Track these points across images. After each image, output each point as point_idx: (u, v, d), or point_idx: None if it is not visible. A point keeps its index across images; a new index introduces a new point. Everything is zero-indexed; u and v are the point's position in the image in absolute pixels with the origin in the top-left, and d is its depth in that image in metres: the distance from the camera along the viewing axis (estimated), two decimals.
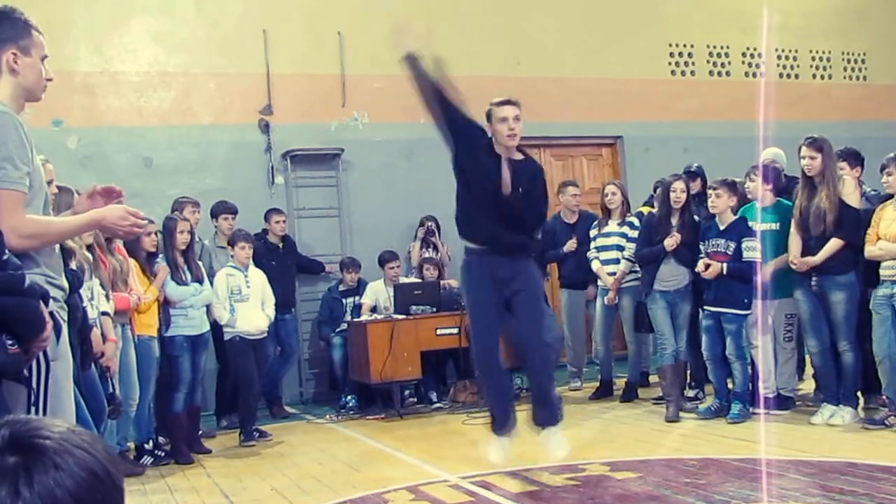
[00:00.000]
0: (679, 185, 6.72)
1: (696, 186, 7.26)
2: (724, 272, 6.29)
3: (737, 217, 6.42)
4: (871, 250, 5.80)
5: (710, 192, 6.51)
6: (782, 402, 6.47)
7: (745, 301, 6.28)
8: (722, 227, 6.42)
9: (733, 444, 5.65)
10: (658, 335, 6.86)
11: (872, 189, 6.39)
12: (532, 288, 5.03)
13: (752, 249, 6.27)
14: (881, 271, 5.75)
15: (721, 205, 6.39)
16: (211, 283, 6.82)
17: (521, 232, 4.98)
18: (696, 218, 6.80)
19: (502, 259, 4.95)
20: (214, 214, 8.01)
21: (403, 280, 8.57)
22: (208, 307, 6.75)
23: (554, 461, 5.19)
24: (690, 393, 7.27)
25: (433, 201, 8.63)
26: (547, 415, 5.16)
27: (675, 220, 6.75)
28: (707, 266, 6.32)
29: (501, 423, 5.15)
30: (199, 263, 6.82)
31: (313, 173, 9.23)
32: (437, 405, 7.97)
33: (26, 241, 2.70)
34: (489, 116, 5.06)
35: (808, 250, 6.07)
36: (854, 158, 6.32)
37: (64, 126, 8.42)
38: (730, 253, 6.31)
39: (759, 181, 6.41)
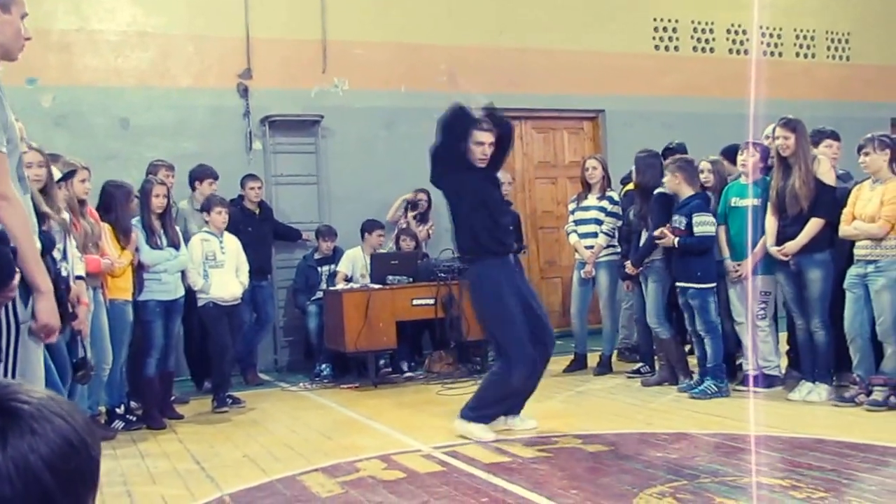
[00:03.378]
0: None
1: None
2: (676, 246, 6.42)
3: (693, 194, 6.49)
4: (845, 230, 5.85)
5: (666, 171, 6.61)
6: (766, 380, 6.50)
7: (699, 274, 6.39)
8: (679, 205, 6.55)
9: (706, 419, 5.70)
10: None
11: (842, 169, 6.47)
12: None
13: (705, 224, 6.37)
14: (855, 251, 5.80)
15: (672, 184, 6.54)
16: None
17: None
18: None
19: (512, 260, 5.53)
20: (198, 178, 7.90)
21: (381, 251, 8.57)
22: (184, 272, 6.71)
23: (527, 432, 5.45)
24: (635, 366, 7.45)
25: (413, 172, 8.61)
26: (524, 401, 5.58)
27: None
28: (662, 236, 6.48)
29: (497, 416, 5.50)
30: (177, 229, 6.77)
31: (292, 140, 9.21)
32: (412, 375, 8.01)
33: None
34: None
35: (783, 232, 6.12)
36: (829, 137, 6.39)
37: (39, 84, 8.29)
38: (682, 228, 6.40)
39: (749, 155, 6.41)
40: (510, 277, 5.39)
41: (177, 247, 6.58)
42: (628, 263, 6.98)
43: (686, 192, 6.50)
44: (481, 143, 5.41)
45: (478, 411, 5.43)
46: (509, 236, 5.69)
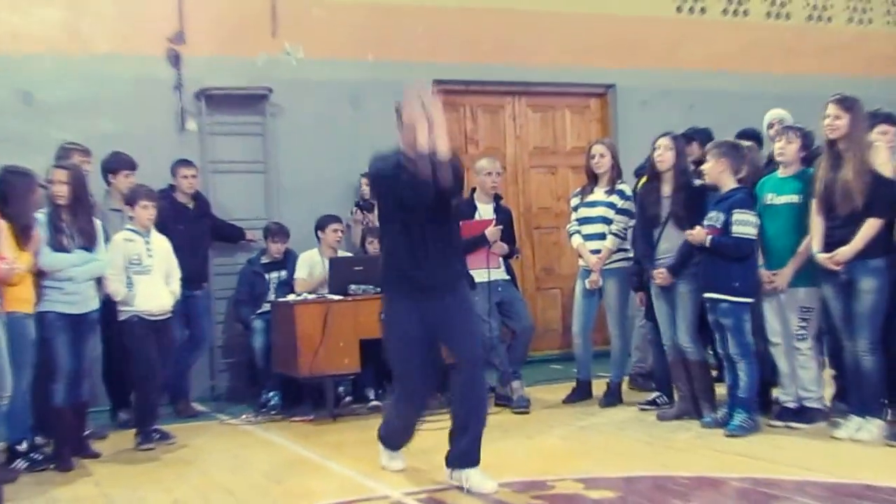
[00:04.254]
0: (662, 143, 6.95)
1: (693, 151, 7.47)
2: (708, 245, 6.44)
3: (737, 187, 6.52)
4: None
5: (707, 157, 6.65)
6: (806, 413, 6.54)
7: (736, 286, 6.39)
8: (717, 199, 6.58)
9: (734, 460, 5.71)
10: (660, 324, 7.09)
11: None
12: None
13: (745, 224, 6.39)
14: None
15: (714, 172, 6.55)
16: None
17: None
18: (696, 183, 6.94)
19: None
20: (111, 171, 7.87)
21: (342, 254, 8.61)
22: (100, 280, 6.71)
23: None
24: (650, 396, 7.52)
25: None
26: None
27: (667, 188, 6.95)
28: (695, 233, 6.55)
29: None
30: (98, 224, 6.70)
31: (234, 118, 9.23)
32: (379, 405, 7.95)
33: None
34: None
35: (832, 234, 6.13)
36: (885, 122, 6.44)
37: None
38: (718, 226, 6.44)
39: (788, 141, 6.48)
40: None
41: (91, 248, 6.54)
42: (661, 272, 6.91)
43: (728, 183, 6.53)
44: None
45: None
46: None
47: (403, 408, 5.60)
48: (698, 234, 6.49)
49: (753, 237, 6.43)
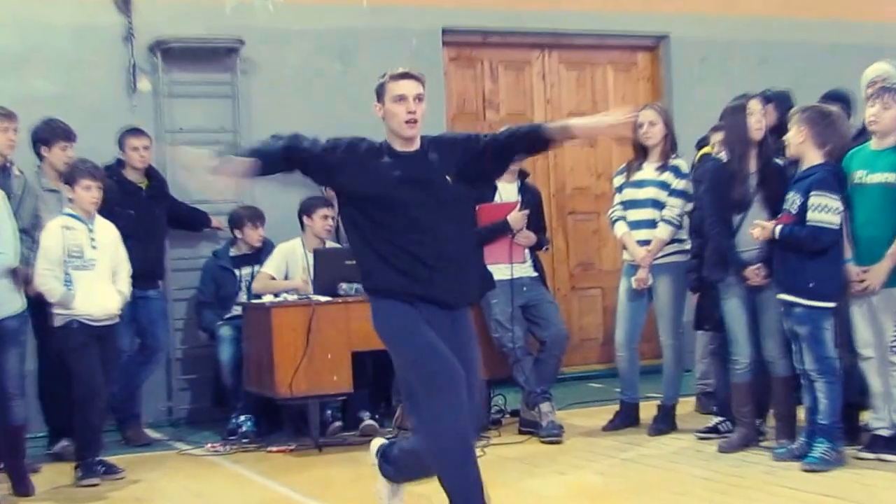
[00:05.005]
0: (756, 107, 6.86)
1: (771, 117, 7.39)
2: (777, 236, 6.43)
3: (820, 163, 6.47)
4: None
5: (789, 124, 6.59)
6: None
7: (811, 286, 6.37)
8: (797, 177, 6.57)
9: (813, 500, 5.68)
10: (731, 339, 7.04)
11: None
12: None
13: (824, 210, 6.33)
14: None
15: (794, 142, 6.52)
16: (33, 239, 6.75)
17: None
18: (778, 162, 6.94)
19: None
20: (44, 142, 7.82)
21: (331, 244, 8.58)
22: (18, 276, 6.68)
23: None
24: (711, 422, 7.51)
25: (378, 125, 8.60)
26: None
27: (752, 163, 6.88)
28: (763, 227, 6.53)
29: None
30: (28, 205, 6.70)
31: (197, 76, 9.26)
32: (372, 424, 7.97)
33: None
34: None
35: None
36: None
37: None
38: (794, 212, 6.43)
39: (883, 106, 6.42)
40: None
41: None
42: (756, 269, 6.78)
43: (811, 157, 6.48)
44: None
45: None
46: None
47: (449, 420, 5.06)
48: (763, 229, 6.48)
49: (834, 226, 6.36)
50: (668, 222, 7.66)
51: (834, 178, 6.45)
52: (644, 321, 8.04)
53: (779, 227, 6.40)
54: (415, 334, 4.92)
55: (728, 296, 7.01)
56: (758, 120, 6.88)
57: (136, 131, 8.48)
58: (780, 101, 7.69)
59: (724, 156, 7.00)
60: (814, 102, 6.86)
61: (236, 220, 8.71)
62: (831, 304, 6.43)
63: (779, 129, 7.13)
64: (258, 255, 8.63)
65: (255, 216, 8.65)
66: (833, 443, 6.39)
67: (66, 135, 7.83)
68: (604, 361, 9.94)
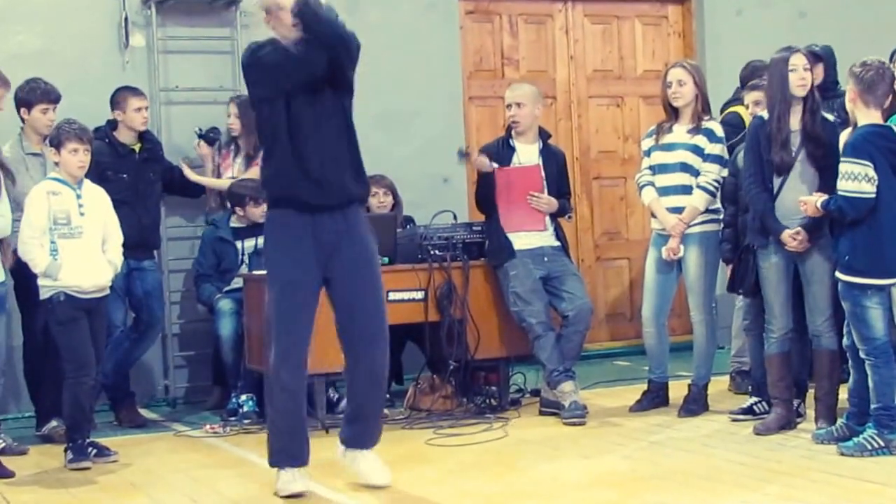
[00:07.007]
0: (800, 61, 6.78)
1: (818, 75, 7.32)
2: (820, 208, 6.43)
3: (871, 123, 6.39)
4: None
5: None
6: None
7: (847, 259, 6.35)
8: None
9: (857, 487, 5.64)
10: (766, 308, 7.02)
11: None
12: None
13: (855, 178, 6.26)
14: None
15: (849, 101, 6.45)
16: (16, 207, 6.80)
17: None
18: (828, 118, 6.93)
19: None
20: (25, 104, 7.80)
21: None
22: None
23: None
24: (746, 403, 7.50)
25: (391, 82, 8.50)
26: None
27: (795, 121, 6.80)
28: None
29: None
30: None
31: (194, 31, 9.26)
32: (385, 413, 7.87)
33: None
34: None
35: None
36: None
37: None
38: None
39: None
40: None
41: None
42: (797, 232, 6.78)
43: (863, 116, 6.41)
44: None
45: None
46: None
47: (287, 379, 5.92)
48: (808, 203, 6.50)
49: (865, 195, 6.26)
50: (705, 189, 7.63)
51: (867, 142, 6.36)
52: (674, 294, 8.04)
53: (821, 201, 6.37)
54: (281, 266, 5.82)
55: (767, 263, 6.99)
56: (801, 77, 6.82)
57: (129, 91, 8.44)
58: (826, 59, 7.59)
59: (764, 114, 6.93)
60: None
61: (237, 198, 8.62)
62: (867, 281, 6.35)
63: (823, 89, 7.09)
64: (261, 226, 8.52)
65: (257, 193, 8.56)
66: (881, 429, 6.32)
67: (47, 95, 7.81)
68: (630, 338, 9.93)
